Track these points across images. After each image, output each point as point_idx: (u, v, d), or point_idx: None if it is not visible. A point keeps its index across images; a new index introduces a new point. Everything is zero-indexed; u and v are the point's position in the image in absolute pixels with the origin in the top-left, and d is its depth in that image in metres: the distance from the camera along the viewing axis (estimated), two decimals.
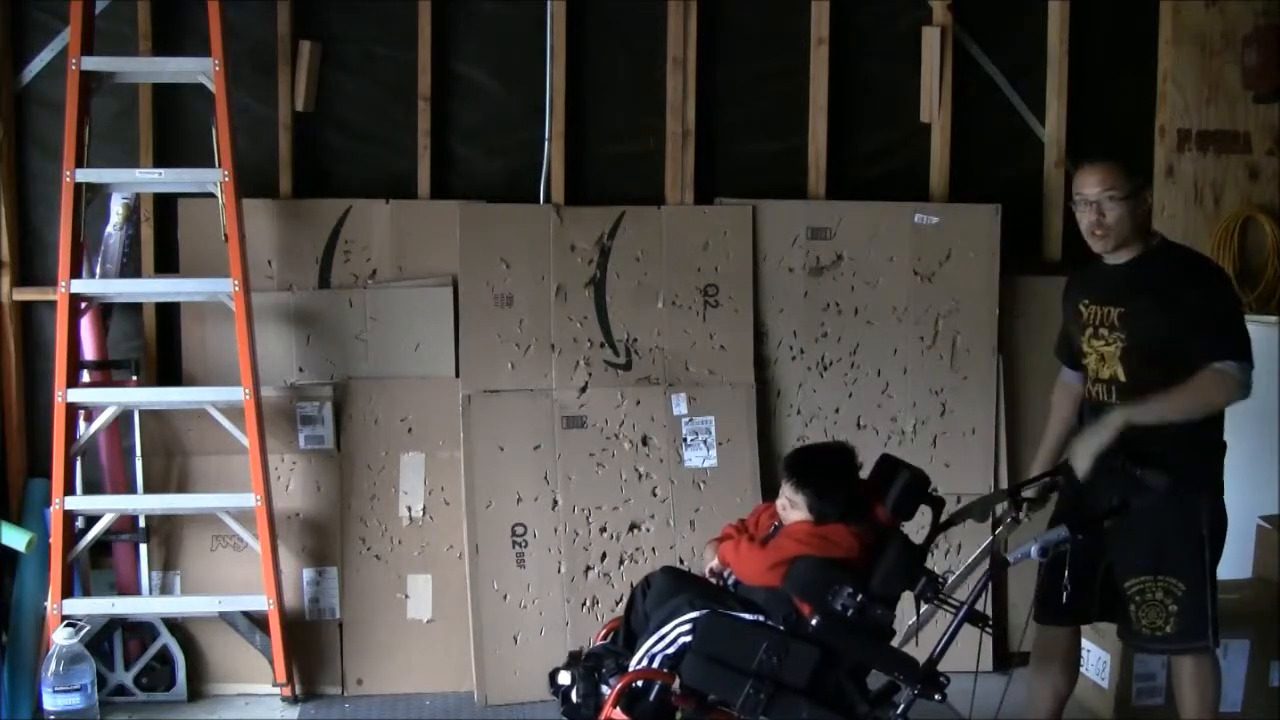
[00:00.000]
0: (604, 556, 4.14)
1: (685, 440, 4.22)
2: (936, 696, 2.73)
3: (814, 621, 2.70)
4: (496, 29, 4.33)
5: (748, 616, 2.79)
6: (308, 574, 4.08)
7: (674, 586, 2.92)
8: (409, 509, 4.13)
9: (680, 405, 4.22)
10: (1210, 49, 4.57)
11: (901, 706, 2.75)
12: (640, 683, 2.74)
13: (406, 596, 4.11)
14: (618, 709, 2.70)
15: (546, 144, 4.32)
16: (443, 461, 4.14)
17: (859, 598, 2.70)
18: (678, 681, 2.72)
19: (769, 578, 2.80)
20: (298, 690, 3.99)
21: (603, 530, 4.15)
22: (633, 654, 2.81)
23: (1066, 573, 2.93)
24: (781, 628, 2.75)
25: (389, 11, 4.26)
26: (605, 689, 2.81)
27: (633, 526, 4.17)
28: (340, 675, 4.07)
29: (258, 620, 3.91)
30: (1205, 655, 3.19)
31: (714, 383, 4.26)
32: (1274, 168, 4.63)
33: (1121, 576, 3.16)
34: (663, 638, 2.77)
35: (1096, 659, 3.87)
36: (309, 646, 4.06)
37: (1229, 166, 4.62)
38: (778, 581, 2.78)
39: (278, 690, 3.96)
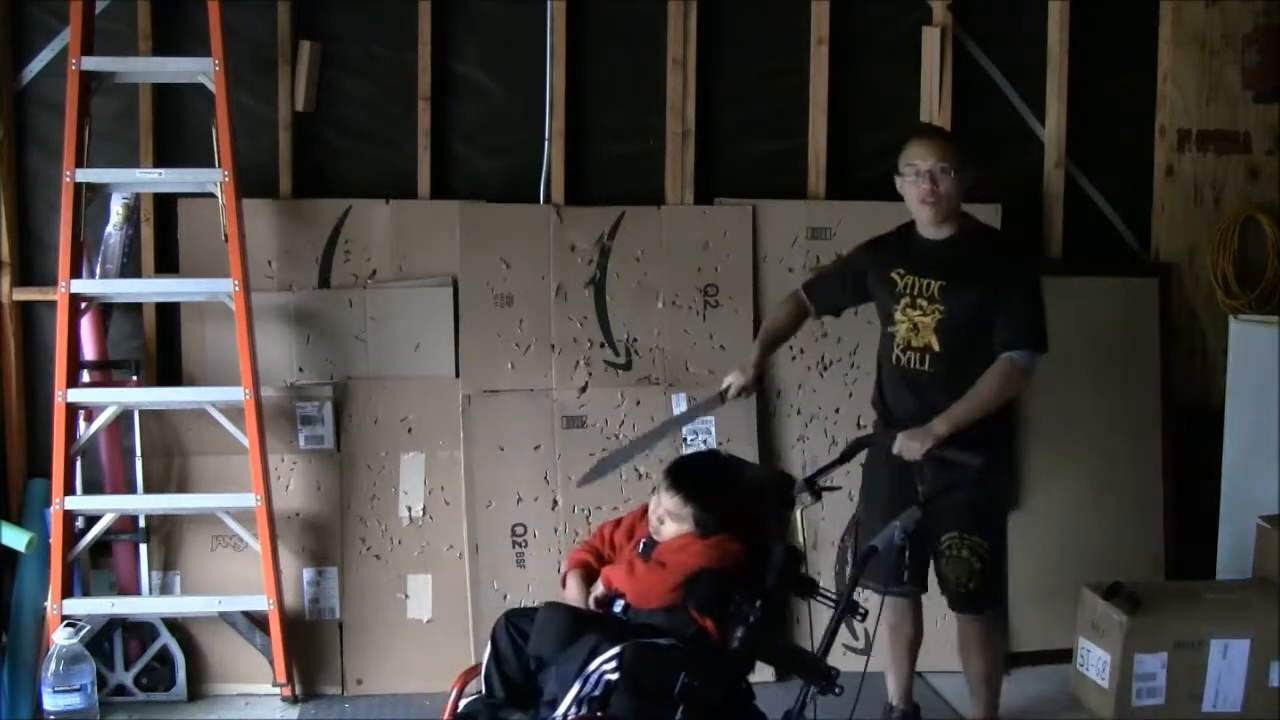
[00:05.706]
0: None
1: (685, 440, 4.21)
2: (835, 691, 2.65)
3: (738, 634, 2.64)
4: (496, 29, 4.33)
5: (663, 642, 2.69)
6: (308, 574, 4.08)
7: (573, 626, 2.73)
8: (409, 509, 4.13)
9: (680, 405, 4.22)
10: (1210, 49, 4.57)
11: (800, 702, 2.68)
12: None
13: (406, 596, 4.11)
14: None
15: (546, 144, 4.32)
16: (443, 461, 4.14)
17: (758, 603, 2.64)
18: None
19: (671, 598, 2.74)
20: (297, 690, 3.99)
21: None
22: (534, 705, 2.69)
23: (909, 546, 3.00)
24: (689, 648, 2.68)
25: (389, 11, 4.26)
26: None
27: None
28: (340, 675, 4.07)
29: (258, 620, 3.91)
30: (993, 619, 3.54)
31: (714, 383, 4.22)
32: (1274, 168, 4.63)
33: (935, 534, 3.39)
34: (586, 679, 2.63)
35: (1097, 659, 3.86)
36: (309, 646, 4.06)
37: (1229, 166, 4.62)
38: (678, 601, 2.72)
39: (277, 690, 3.96)
